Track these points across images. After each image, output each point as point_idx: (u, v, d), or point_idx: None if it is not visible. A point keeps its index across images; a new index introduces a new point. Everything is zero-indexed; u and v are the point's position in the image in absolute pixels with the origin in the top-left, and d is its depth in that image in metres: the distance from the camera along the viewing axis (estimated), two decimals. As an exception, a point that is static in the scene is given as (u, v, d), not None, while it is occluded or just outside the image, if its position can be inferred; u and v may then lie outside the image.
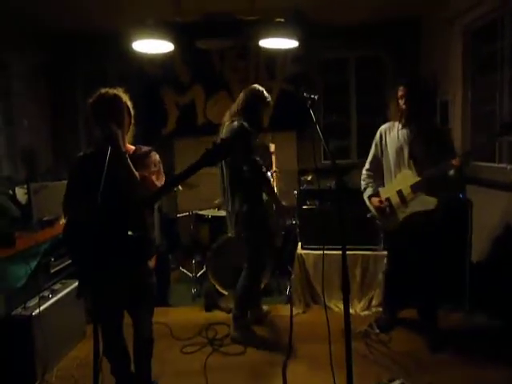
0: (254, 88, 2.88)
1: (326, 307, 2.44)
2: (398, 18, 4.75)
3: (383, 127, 2.87)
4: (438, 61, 4.49)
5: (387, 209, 2.75)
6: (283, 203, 2.99)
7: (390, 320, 3.04)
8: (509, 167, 3.39)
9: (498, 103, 3.59)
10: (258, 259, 2.93)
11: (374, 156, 2.91)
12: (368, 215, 2.94)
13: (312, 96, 1.99)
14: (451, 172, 2.53)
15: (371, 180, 2.91)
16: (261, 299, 3.33)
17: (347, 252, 1.67)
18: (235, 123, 2.75)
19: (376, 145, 2.88)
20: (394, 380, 2.38)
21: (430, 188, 2.59)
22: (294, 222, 3.98)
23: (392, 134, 2.78)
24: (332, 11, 4.44)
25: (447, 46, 4.25)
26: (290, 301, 2.50)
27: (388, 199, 2.75)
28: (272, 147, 3.70)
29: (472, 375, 2.46)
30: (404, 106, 2.66)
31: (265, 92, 2.88)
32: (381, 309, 3.24)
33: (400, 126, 2.74)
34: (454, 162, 2.46)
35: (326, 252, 3.23)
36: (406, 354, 2.67)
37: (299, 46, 3.71)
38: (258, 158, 2.77)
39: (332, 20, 4.63)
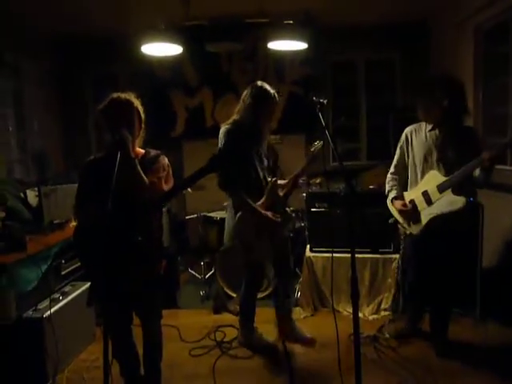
0: (254, 85, 2.63)
1: (334, 311, 2.42)
2: (408, 19, 4.71)
3: (409, 129, 2.74)
4: (449, 62, 4.45)
5: (410, 211, 2.64)
6: (267, 213, 2.61)
7: (408, 330, 2.93)
8: (521, 170, 3.34)
9: (511, 104, 3.54)
10: (252, 267, 2.81)
11: (399, 159, 2.80)
12: (390, 220, 2.84)
13: (321, 100, 1.99)
14: (477, 172, 2.39)
15: (395, 183, 2.80)
16: (280, 300, 2.97)
17: (356, 255, 1.66)
18: (222, 128, 2.62)
19: (401, 147, 2.77)
20: (403, 385, 2.37)
21: (458, 188, 2.46)
22: (302, 225, 3.97)
23: (419, 135, 2.65)
24: (341, 13, 4.42)
25: (458, 46, 4.21)
26: (276, 307, 2.24)
27: (412, 201, 2.65)
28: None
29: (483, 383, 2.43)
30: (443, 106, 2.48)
31: (267, 88, 2.60)
32: (389, 312, 3.22)
33: (429, 128, 2.61)
34: (485, 155, 2.29)
35: (334, 255, 3.20)
36: (415, 360, 2.64)
37: (308, 48, 3.71)
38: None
39: (341, 22, 4.61)
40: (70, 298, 2.74)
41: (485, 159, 2.30)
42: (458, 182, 2.44)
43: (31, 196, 3.21)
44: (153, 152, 2.14)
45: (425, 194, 2.58)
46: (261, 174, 2.69)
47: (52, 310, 2.49)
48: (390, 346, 2.82)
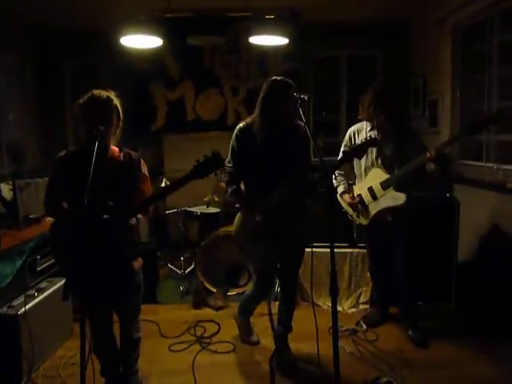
0: (267, 80, 2.39)
1: (313, 306, 2.44)
2: (389, 17, 4.76)
3: (352, 128, 2.95)
4: (428, 59, 4.51)
5: (359, 205, 2.85)
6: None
7: (377, 315, 3.10)
8: (496, 166, 3.43)
9: (487, 102, 3.62)
10: (256, 269, 2.66)
11: None
12: (343, 210, 3.04)
13: (302, 96, 2.00)
14: (431, 167, 2.57)
15: (342, 178, 2.99)
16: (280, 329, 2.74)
17: (336, 250, 1.69)
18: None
19: (346, 146, 2.95)
20: (380, 378, 2.42)
21: (400, 185, 2.68)
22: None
23: (361, 135, 2.86)
24: (325, 10, 4.42)
25: (438, 44, 4.27)
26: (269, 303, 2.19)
27: (360, 195, 2.85)
28: None
29: (459, 374, 2.49)
30: (376, 112, 2.72)
31: (277, 82, 2.33)
32: (368, 306, 3.28)
33: (369, 128, 2.82)
34: (429, 154, 2.50)
35: (314, 250, 3.22)
36: (393, 353, 2.70)
37: (291, 43, 3.70)
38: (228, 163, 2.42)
39: (325, 18, 4.62)
40: (45, 294, 2.68)
41: (426, 159, 2.51)
42: (398, 180, 2.67)
43: (5, 190, 3.12)
44: (132, 153, 2.10)
45: (370, 189, 2.79)
46: (275, 171, 2.36)
47: (27, 306, 2.43)
48: (368, 339, 2.87)
